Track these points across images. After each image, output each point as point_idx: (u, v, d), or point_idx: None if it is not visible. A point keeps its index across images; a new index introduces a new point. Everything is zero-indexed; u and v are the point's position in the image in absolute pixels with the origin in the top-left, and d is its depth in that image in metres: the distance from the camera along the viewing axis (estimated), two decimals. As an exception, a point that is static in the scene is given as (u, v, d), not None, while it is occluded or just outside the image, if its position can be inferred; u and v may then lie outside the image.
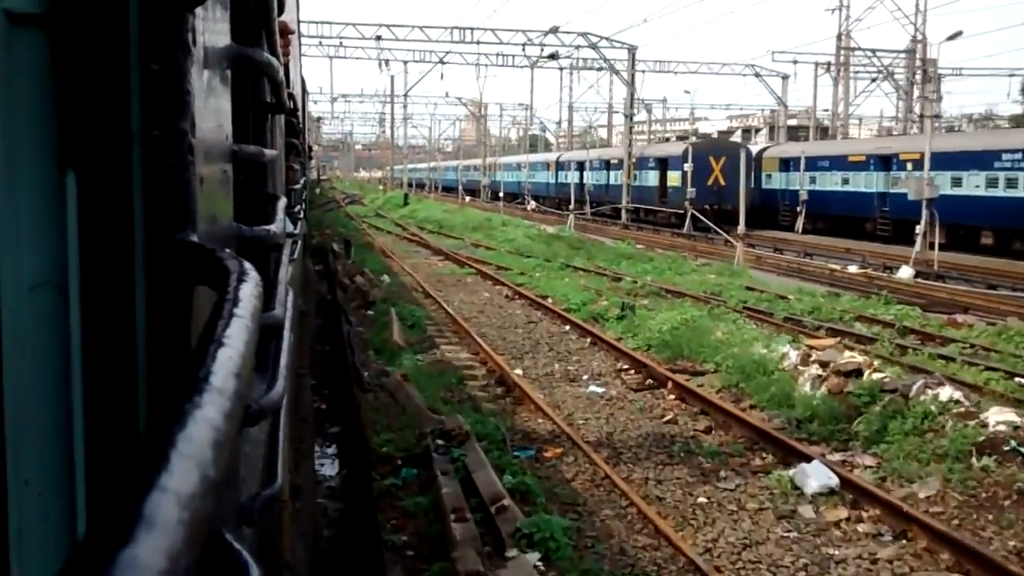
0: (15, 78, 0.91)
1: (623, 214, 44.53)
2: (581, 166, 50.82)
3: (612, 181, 48.78)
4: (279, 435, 2.30)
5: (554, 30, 42.73)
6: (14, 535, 0.90)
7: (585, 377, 11.93)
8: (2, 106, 0.90)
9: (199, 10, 1.14)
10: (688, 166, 38.64)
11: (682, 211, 39.16)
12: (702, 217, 36.43)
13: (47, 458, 0.95)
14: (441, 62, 51.70)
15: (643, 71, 49.79)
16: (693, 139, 53.59)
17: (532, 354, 13.34)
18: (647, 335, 13.58)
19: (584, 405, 10.54)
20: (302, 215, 8.08)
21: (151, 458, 0.55)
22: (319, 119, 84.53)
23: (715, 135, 55.40)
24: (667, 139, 63.32)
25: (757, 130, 79.63)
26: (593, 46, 45.79)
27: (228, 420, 0.64)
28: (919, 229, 25.07)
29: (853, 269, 24.79)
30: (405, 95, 63.73)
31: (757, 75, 55.00)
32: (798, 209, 38.27)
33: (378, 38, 46.72)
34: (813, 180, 38.47)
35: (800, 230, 37.50)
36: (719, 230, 33.64)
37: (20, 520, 0.91)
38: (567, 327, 15.31)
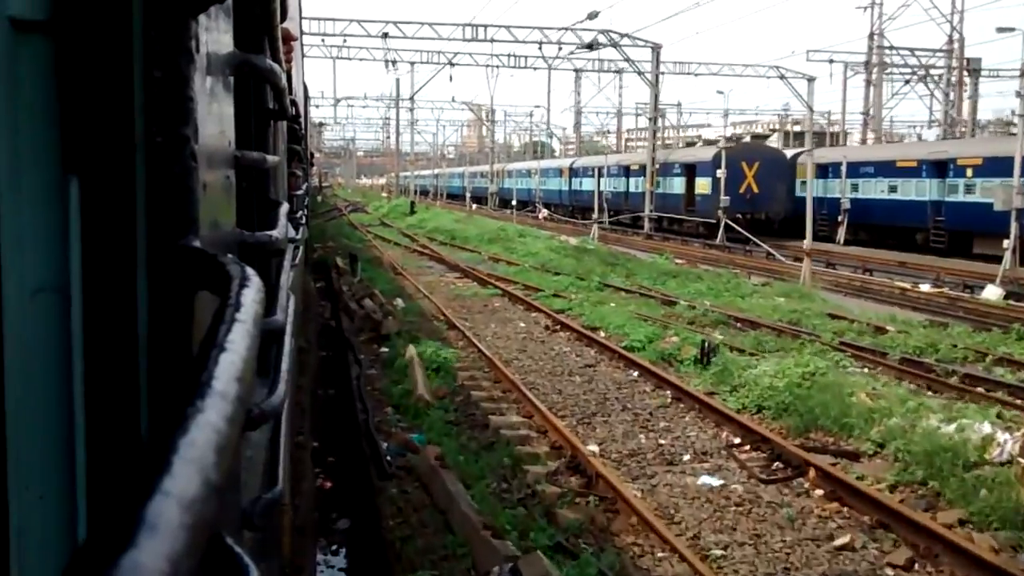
0: (19, 84, 0.93)
1: (645, 223, 41.59)
2: (598, 172, 47.76)
3: (633, 188, 46.38)
4: (280, 439, 2.28)
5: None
6: (14, 538, 0.91)
7: (686, 457, 9.11)
8: (6, 112, 0.91)
9: (202, 17, 1.14)
10: (721, 172, 35.87)
11: (712, 220, 36.44)
12: (737, 227, 33.44)
13: (48, 462, 0.96)
14: (450, 63, 48.79)
15: (663, 72, 46.91)
16: (699, 144, 50.61)
17: (602, 416, 10.54)
18: (755, 392, 10.68)
19: (706, 513, 7.67)
20: (304, 220, 7.74)
21: (153, 462, 0.55)
22: (321, 124, 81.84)
23: (722, 142, 52.38)
24: (673, 146, 60.31)
25: (766, 136, 77.07)
26: (614, 44, 42.90)
27: (230, 424, 0.64)
28: (1007, 244, 22.19)
29: (926, 288, 21.86)
30: (411, 98, 60.80)
31: (782, 77, 52.19)
32: (839, 219, 35.35)
33: (385, 36, 44.08)
34: (855, 187, 35.59)
35: (842, 241, 34.58)
36: (759, 242, 30.75)
37: (21, 523, 0.92)
38: (634, 372, 12.64)
